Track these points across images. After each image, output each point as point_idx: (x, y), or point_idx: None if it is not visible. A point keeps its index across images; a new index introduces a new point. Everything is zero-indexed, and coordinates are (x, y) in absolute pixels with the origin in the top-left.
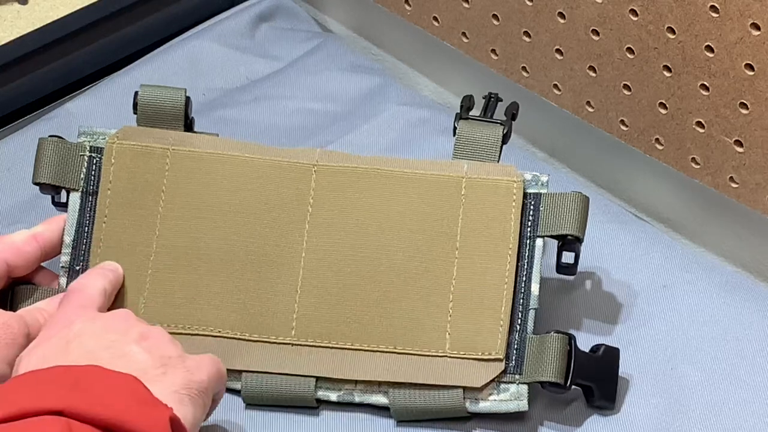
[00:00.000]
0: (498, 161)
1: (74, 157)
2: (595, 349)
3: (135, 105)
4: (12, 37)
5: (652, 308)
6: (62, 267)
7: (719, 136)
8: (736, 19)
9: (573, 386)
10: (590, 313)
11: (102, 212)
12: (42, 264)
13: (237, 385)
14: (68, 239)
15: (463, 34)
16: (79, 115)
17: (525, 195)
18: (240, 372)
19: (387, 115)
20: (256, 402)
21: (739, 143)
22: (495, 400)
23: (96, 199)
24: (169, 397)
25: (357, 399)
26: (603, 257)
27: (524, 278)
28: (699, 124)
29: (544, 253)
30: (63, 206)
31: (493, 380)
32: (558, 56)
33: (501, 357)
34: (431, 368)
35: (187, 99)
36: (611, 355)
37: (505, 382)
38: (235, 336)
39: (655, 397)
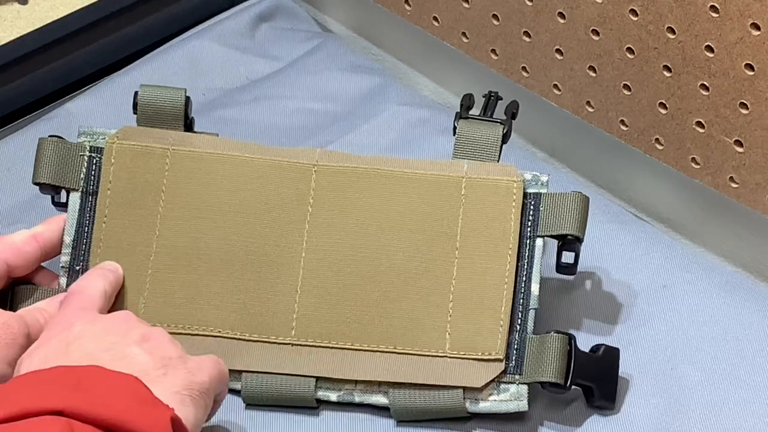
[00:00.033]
0: (498, 160)
1: (74, 157)
2: (595, 349)
3: (135, 105)
4: (12, 37)
5: (652, 308)
6: (62, 267)
7: (719, 136)
8: (736, 19)
9: (573, 386)
10: (590, 313)
11: (102, 212)
12: (42, 264)
13: (237, 385)
14: (68, 239)
15: (463, 34)
16: (79, 115)
17: (525, 195)
18: (240, 372)
19: (387, 115)
20: (256, 402)
21: (739, 143)
22: (495, 400)
23: (96, 199)
24: (170, 397)
25: (357, 399)
26: (603, 257)
27: (524, 278)
28: (699, 124)
29: (544, 253)
30: (63, 206)
31: (493, 380)
32: (558, 56)
33: (501, 357)
34: (431, 368)
35: (187, 99)
36: (611, 355)
37: (505, 383)
38: (235, 336)
39: (655, 397)
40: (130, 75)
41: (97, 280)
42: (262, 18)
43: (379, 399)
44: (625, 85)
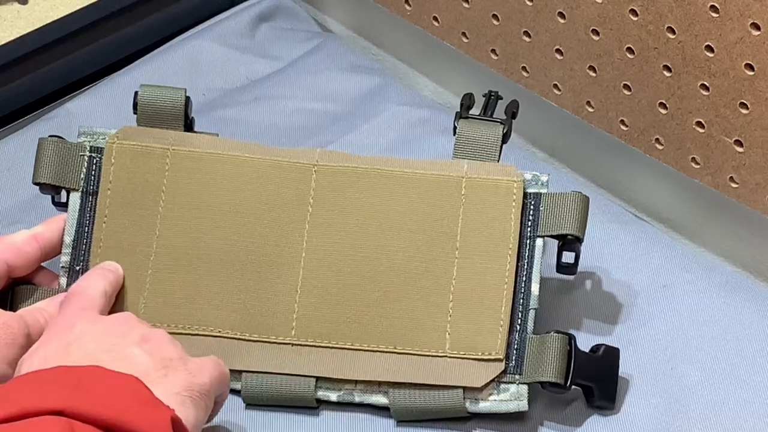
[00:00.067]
0: (498, 160)
1: (74, 157)
2: (595, 349)
3: (135, 105)
4: (12, 37)
5: (652, 308)
6: (62, 267)
7: (719, 136)
8: (736, 19)
9: (573, 386)
10: (590, 313)
11: (102, 212)
12: (42, 264)
13: (237, 385)
14: (68, 239)
15: (463, 34)
16: (79, 115)
17: (525, 195)
18: (240, 372)
19: (387, 115)
20: (256, 402)
21: (739, 143)
22: (495, 400)
23: (96, 199)
24: (170, 398)
25: (357, 399)
26: (603, 257)
27: (524, 278)
28: (699, 124)
29: (544, 253)
30: (63, 206)
31: (493, 380)
32: (558, 56)
33: (501, 357)
34: (431, 368)
35: (187, 99)
36: (611, 355)
37: (505, 382)
38: (235, 336)
39: (655, 397)
40: (130, 75)
41: (98, 280)
42: (262, 18)
43: (379, 399)
44: (625, 85)
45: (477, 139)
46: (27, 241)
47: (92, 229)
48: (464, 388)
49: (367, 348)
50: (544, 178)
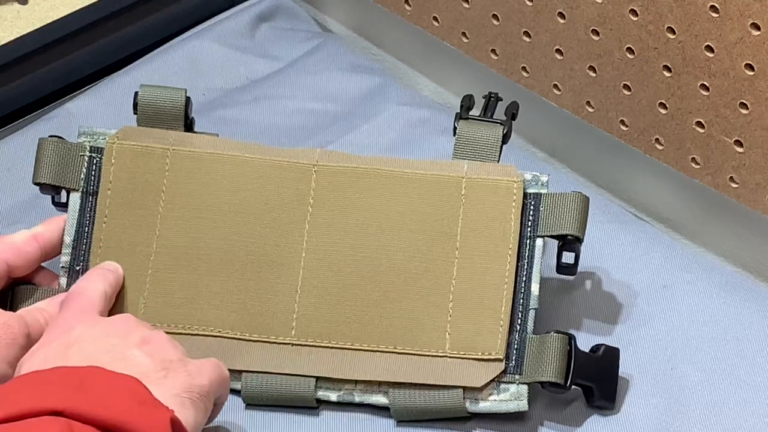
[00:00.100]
0: (498, 161)
1: (74, 158)
2: (595, 349)
3: (135, 105)
4: (12, 37)
5: (652, 308)
6: (62, 267)
7: (719, 136)
8: (736, 19)
9: (573, 386)
10: (590, 313)
11: (102, 212)
12: (42, 264)
13: (237, 385)
14: (68, 239)
15: (463, 34)
16: (79, 115)
17: (525, 195)
18: (240, 372)
19: (387, 115)
20: (256, 402)
21: (739, 143)
22: (495, 400)
23: (96, 199)
24: (170, 400)
25: (357, 399)
26: (603, 257)
27: (524, 278)
28: (699, 124)
29: (544, 253)
30: (63, 206)
31: (493, 380)
32: (558, 56)
33: (501, 357)
34: (431, 368)
35: (187, 99)
36: (611, 355)
37: (505, 382)
38: (235, 336)
39: (655, 397)
40: (130, 75)
41: (97, 281)
42: (262, 18)
43: (379, 399)
44: (625, 85)
45: (477, 140)
46: (27, 241)
47: (92, 229)
48: (464, 388)
49: (367, 348)
50: (544, 179)
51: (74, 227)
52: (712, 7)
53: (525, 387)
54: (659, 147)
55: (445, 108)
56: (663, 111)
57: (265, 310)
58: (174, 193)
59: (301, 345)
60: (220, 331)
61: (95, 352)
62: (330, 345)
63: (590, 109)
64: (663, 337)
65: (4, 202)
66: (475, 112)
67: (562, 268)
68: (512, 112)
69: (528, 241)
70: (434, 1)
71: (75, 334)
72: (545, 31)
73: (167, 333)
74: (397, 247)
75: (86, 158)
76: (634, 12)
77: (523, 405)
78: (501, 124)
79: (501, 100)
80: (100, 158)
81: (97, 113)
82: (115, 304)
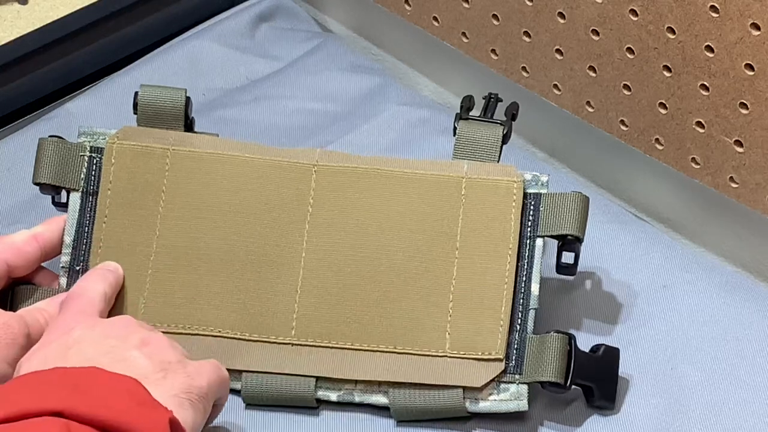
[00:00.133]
0: (498, 161)
1: (74, 158)
2: (595, 349)
3: (135, 105)
4: (12, 37)
5: (652, 308)
6: (62, 267)
7: (719, 136)
8: (736, 19)
9: (573, 386)
10: (590, 313)
11: (102, 212)
12: (42, 264)
13: (237, 385)
14: (68, 239)
15: (463, 34)
16: (79, 115)
17: (525, 195)
18: (240, 372)
19: (387, 115)
20: (256, 402)
21: (739, 143)
22: (495, 400)
23: (96, 199)
24: (169, 401)
25: (357, 399)
26: (603, 257)
27: (524, 278)
28: (699, 124)
29: (544, 253)
30: (63, 206)
31: (493, 380)
32: (558, 56)
33: (501, 357)
34: (431, 368)
35: (187, 99)
36: (611, 355)
37: (505, 382)
38: (235, 336)
39: (655, 397)
40: (130, 75)
41: (97, 282)
42: (262, 18)
43: (379, 399)
44: (625, 85)
45: (477, 140)
46: (27, 241)
47: (92, 229)
48: (464, 388)
49: (367, 348)
50: (544, 179)
51: (74, 227)
52: (712, 7)
53: (525, 387)
54: (659, 147)
55: (445, 108)
56: (663, 111)
57: (265, 310)
58: (174, 193)
59: (301, 345)
60: (220, 331)
61: (95, 353)
62: (330, 345)
63: (590, 109)
64: (663, 337)
65: (4, 202)
66: (475, 112)
67: (562, 268)
68: (512, 113)
69: (528, 241)
70: (434, 1)
71: (75, 335)
72: (545, 31)
73: (167, 333)
74: (397, 247)
75: (86, 158)
76: (634, 12)
77: (523, 405)
78: (501, 124)
79: (501, 101)
80: (100, 158)
81: (97, 113)
82: (116, 304)
